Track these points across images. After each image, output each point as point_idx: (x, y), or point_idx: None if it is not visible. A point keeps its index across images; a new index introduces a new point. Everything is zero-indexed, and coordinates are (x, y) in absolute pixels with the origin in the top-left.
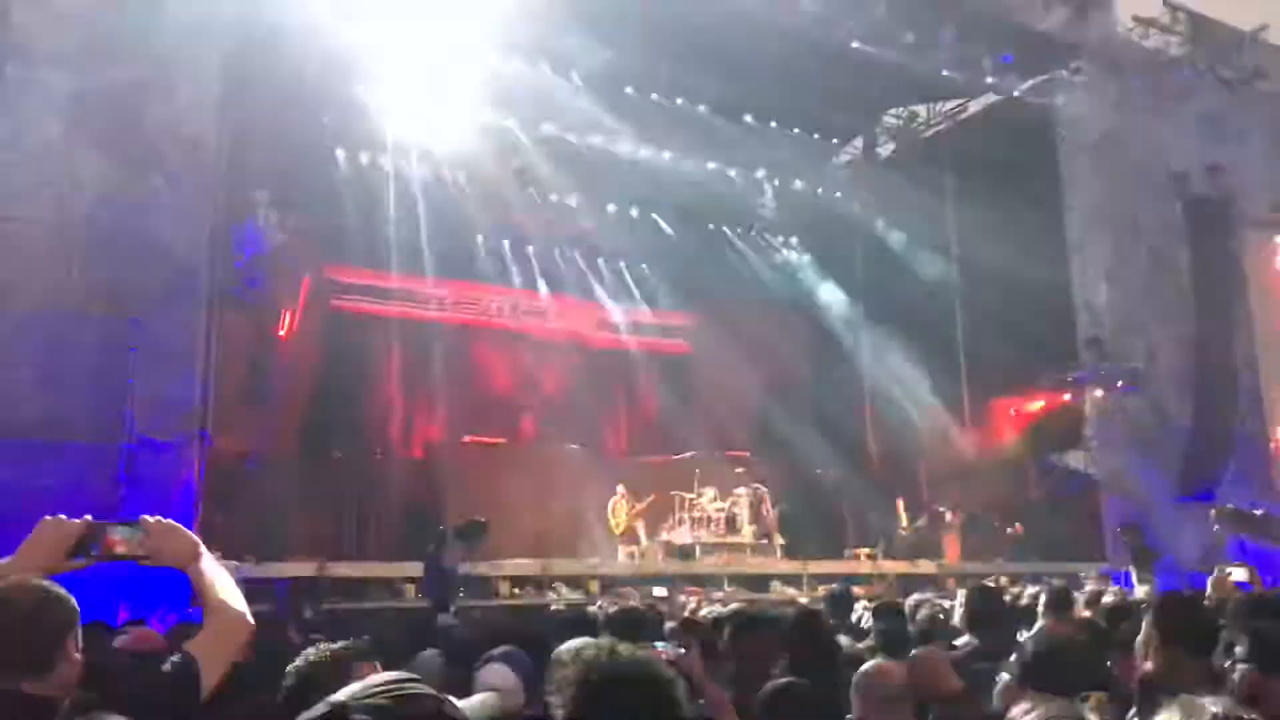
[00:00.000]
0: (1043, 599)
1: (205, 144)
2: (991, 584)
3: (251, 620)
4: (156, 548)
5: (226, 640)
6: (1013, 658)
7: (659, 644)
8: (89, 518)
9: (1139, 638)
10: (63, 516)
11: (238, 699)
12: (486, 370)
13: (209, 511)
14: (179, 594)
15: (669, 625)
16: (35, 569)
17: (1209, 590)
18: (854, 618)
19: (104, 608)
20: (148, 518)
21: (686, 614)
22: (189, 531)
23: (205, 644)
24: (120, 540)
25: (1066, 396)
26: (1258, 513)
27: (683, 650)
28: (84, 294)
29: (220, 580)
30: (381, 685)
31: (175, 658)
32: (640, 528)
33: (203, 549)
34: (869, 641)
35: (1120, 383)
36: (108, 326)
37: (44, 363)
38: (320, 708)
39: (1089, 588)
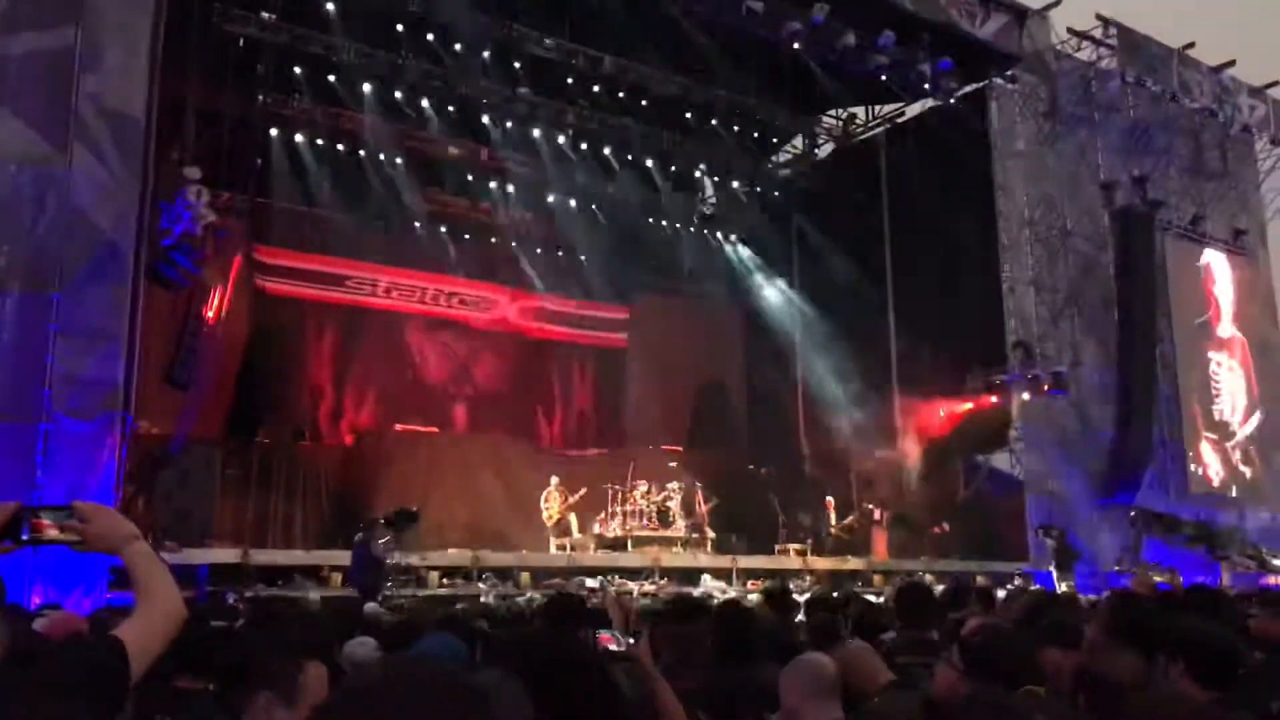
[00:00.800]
0: (968, 594)
1: (134, 116)
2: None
3: (184, 609)
4: (88, 532)
5: (157, 628)
6: (954, 647)
7: (606, 632)
8: (19, 502)
9: (1087, 634)
10: None
11: (159, 686)
12: (420, 358)
13: (130, 495)
14: (95, 578)
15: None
16: None
17: (1131, 589)
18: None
19: (18, 591)
20: (79, 502)
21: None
22: (122, 516)
23: (135, 630)
24: (51, 524)
25: (994, 399)
26: (1172, 516)
27: (632, 640)
28: (3, 269)
29: (153, 567)
30: None
31: (103, 643)
32: (573, 520)
33: (136, 534)
34: (801, 635)
35: (1046, 386)
36: (27, 303)
37: None
38: None
39: (1014, 585)
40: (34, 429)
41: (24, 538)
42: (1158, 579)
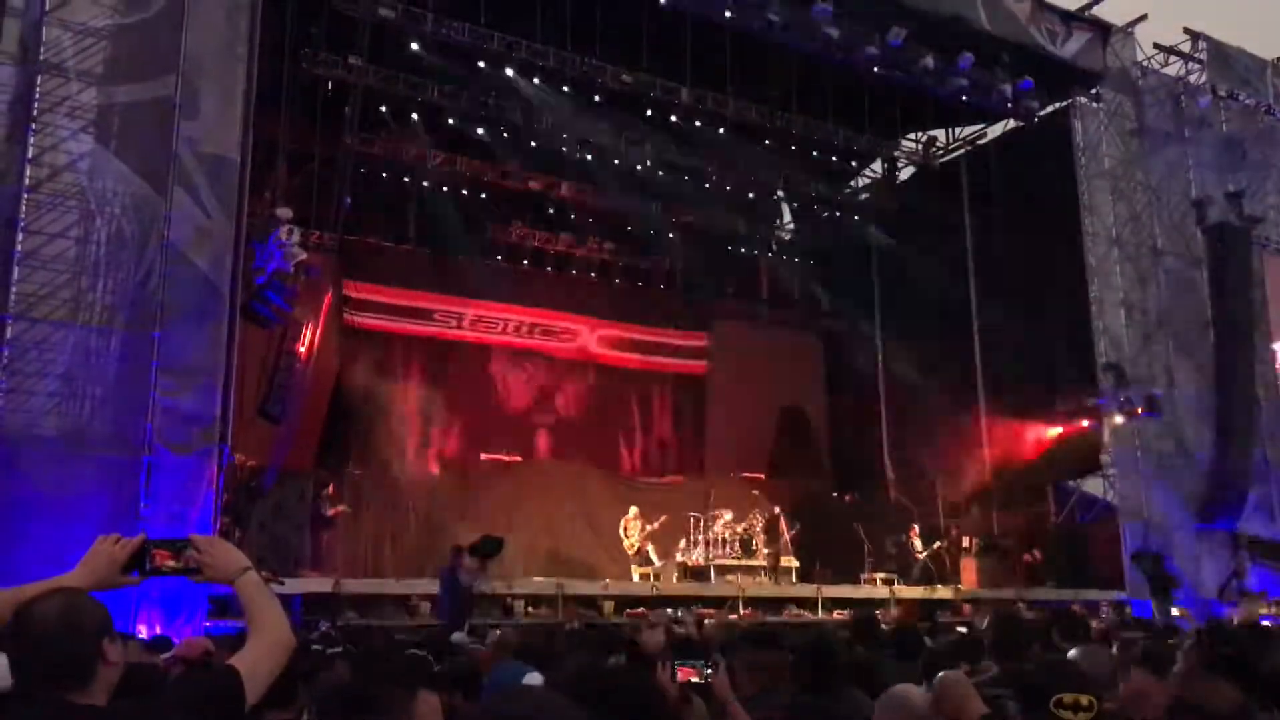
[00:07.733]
0: (1075, 625)
1: (230, 159)
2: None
3: (293, 638)
4: (205, 564)
5: (269, 657)
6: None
7: (686, 663)
8: (144, 534)
9: (1177, 665)
10: (118, 535)
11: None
12: (503, 389)
13: (226, 526)
14: (195, 607)
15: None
16: (94, 584)
17: (1236, 620)
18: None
19: (126, 621)
20: (197, 535)
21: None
22: (235, 548)
23: (249, 658)
24: (170, 556)
25: (1085, 422)
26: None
27: (710, 670)
28: (108, 307)
29: (264, 597)
30: None
31: (220, 670)
32: (651, 548)
33: (249, 565)
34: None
35: (1139, 409)
36: (131, 340)
37: (68, 374)
38: None
39: (1105, 614)
40: (137, 462)
41: (147, 568)
42: (1263, 610)
